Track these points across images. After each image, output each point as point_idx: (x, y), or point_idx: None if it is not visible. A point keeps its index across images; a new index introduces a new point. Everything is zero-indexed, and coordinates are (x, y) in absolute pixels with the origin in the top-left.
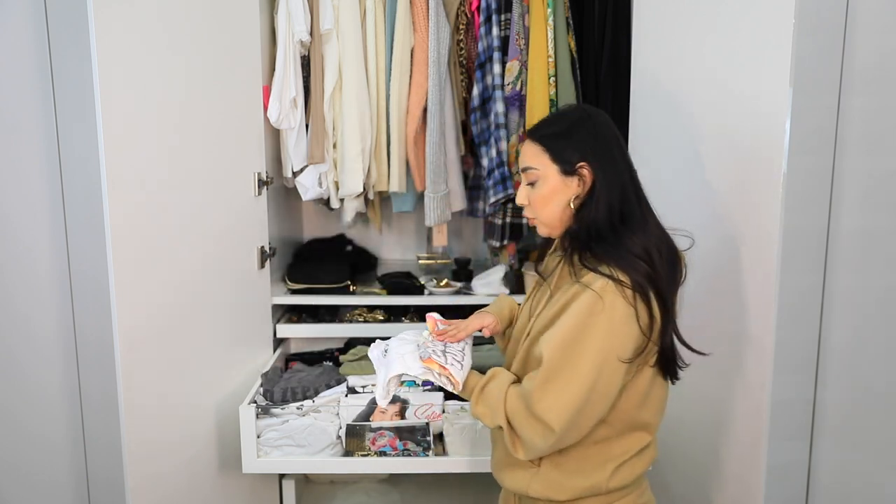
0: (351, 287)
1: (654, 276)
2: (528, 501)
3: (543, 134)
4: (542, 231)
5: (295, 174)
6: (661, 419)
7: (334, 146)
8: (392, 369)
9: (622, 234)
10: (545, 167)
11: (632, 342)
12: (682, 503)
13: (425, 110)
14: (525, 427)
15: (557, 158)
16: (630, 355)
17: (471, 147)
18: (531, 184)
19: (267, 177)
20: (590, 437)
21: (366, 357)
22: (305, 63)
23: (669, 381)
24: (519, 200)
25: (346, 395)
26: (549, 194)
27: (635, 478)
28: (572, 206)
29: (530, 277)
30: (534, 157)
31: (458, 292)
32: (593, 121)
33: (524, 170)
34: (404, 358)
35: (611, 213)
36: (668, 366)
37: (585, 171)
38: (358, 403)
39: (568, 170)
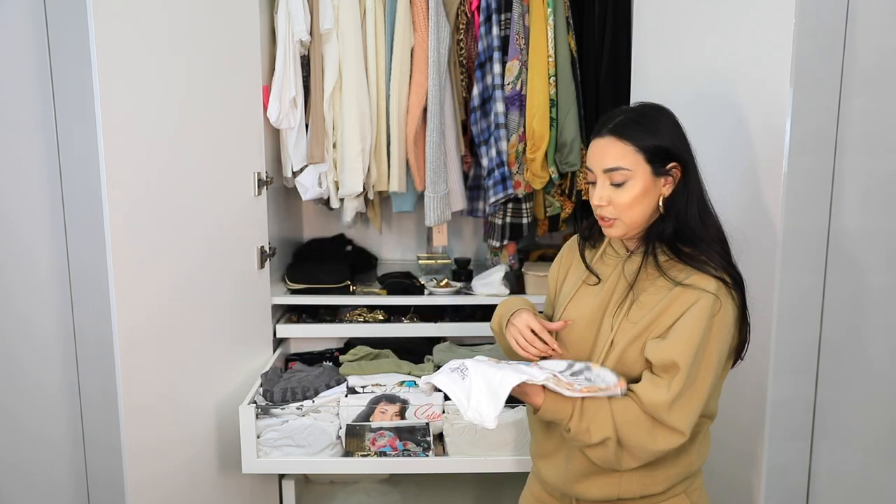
0: (351, 287)
1: (740, 275)
2: None
3: (632, 132)
4: (617, 232)
5: (295, 174)
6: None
7: (334, 146)
8: (509, 380)
9: (709, 231)
10: (637, 167)
11: (735, 339)
12: None
13: (425, 110)
14: (647, 437)
15: (651, 159)
16: (733, 351)
17: (471, 147)
18: (616, 184)
19: (267, 177)
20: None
21: (365, 357)
22: (305, 63)
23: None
24: (598, 201)
25: (346, 396)
26: (640, 196)
27: (705, 459)
28: (661, 207)
29: (531, 277)
30: (622, 156)
31: (458, 292)
32: (669, 115)
33: (609, 170)
34: (517, 367)
35: (700, 211)
36: (740, 351)
37: (677, 171)
38: (358, 403)
39: (660, 170)
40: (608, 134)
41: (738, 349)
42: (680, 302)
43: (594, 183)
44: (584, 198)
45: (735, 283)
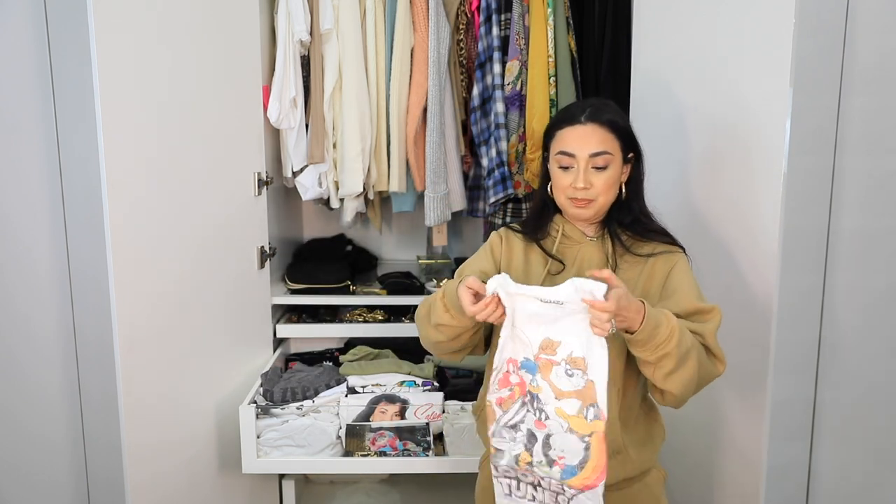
0: (351, 287)
1: None
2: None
3: (612, 120)
4: (590, 212)
5: (295, 174)
6: None
7: (334, 146)
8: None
9: (651, 213)
10: (616, 152)
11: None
12: (682, 502)
13: (425, 110)
14: (708, 361)
15: (624, 146)
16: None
17: (471, 147)
18: (598, 168)
19: (267, 177)
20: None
21: (365, 357)
22: (305, 63)
23: None
24: (583, 184)
25: (346, 395)
26: (615, 180)
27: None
28: (623, 188)
29: None
30: (606, 142)
31: None
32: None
33: (595, 154)
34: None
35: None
36: None
37: (633, 160)
38: (358, 403)
39: (626, 158)
40: (589, 121)
41: None
42: (660, 265)
43: (567, 168)
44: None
45: (685, 251)
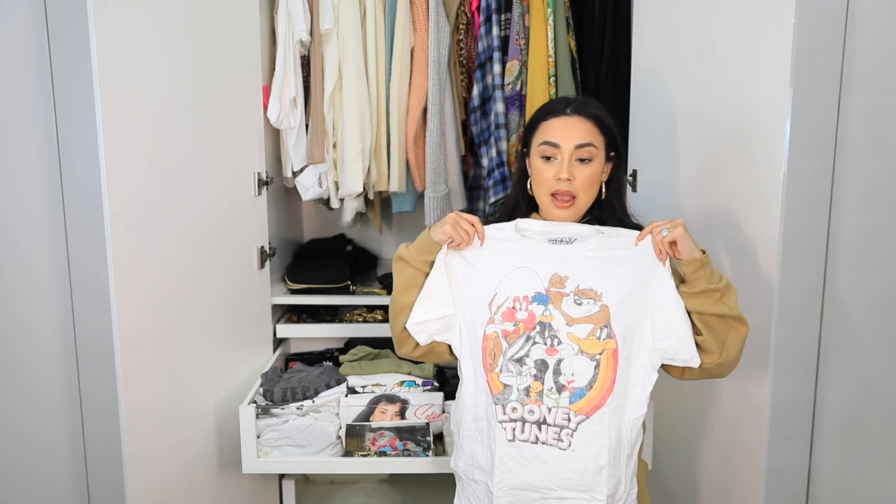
0: (351, 287)
1: None
2: None
3: (598, 115)
4: (570, 213)
5: (295, 174)
6: None
7: (334, 146)
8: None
9: (632, 214)
10: (600, 147)
11: None
12: (682, 502)
13: (425, 110)
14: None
15: (608, 143)
16: None
17: (471, 147)
18: (582, 160)
19: (267, 177)
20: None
21: (365, 357)
22: (305, 63)
23: None
24: (566, 175)
25: (346, 395)
26: (597, 175)
27: None
28: (604, 186)
29: None
30: (591, 134)
31: None
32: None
33: (580, 146)
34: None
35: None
36: None
37: (615, 158)
38: (358, 403)
39: (609, 156)
40: (575, 113)
41: None
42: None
43: (550, 158)
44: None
45: None
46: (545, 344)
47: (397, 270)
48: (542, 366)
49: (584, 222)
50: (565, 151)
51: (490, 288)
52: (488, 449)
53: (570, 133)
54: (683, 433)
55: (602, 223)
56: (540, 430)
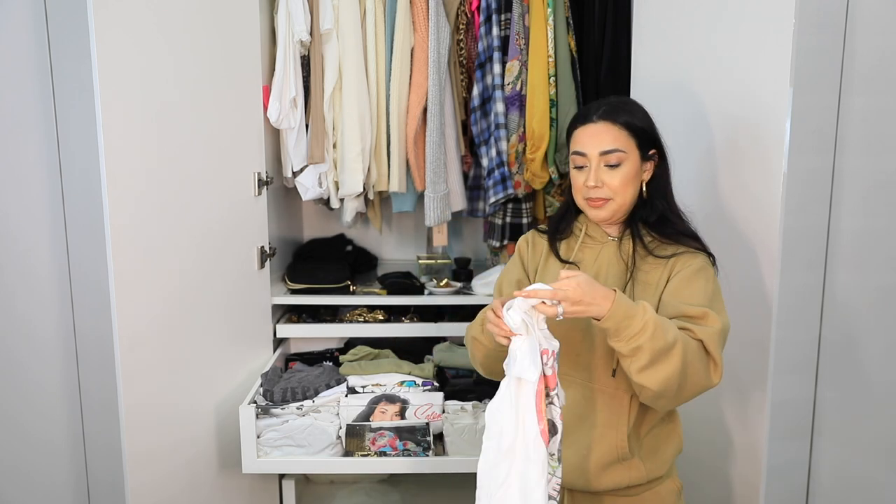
0: (351, 287)
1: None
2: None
3: (626, 120)
4: (606, 213)
5: (295, 174)
6: None
7: (334, 146)
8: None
9: (679, 213)
10: (630, 150)
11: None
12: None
13: (425, 110)
14: (703, 366)
15: (641, 144)
16: None
17: (471, 147)
18: (610, 166)
19: (267, 177)
20: (665, 420)
21: (365, 357)
22: (305, 63)
23: None
24: (594, 183)
25: (346, 395)
26: (632, 178)
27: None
28: (645, 186)
29: None
30: (618, 139)
31: (458, 292)
32: (644, 108)
33: (606, 152)
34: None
35: (671, 195)
36: None
37: (656, 157)
38: (358, 403)
39: (645, 155)
40: (601, 119)
41: None
42: (680, 264)
43: (582, 167)
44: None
45: (714, 260)
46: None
47: (475, 323)
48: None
49: (626, 223)
50: (592, 159)
51: None
52: None
53: (595, 140)
54: (682, 433)
55: (646, 223)
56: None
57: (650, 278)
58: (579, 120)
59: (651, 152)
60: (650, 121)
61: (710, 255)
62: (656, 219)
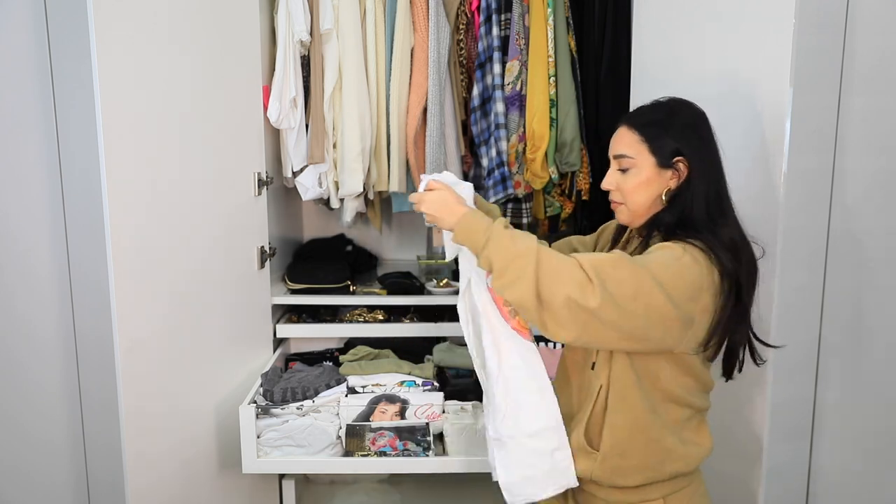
0: (351, 287)
1: (736, 269)
2: (585, 495)
3: (643, 123)
4: (623, 216)
5: (295, 174)
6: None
7: (334, 146)
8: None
9: (717, 227)
10: (641, 157)
11: (689, 291)
12: None
13: (425, 110)
14: (565, 268)
15: (656, 150)
16: (682, 301)
17: (471, 147)
18: (622, 170)
19: (267, 177)
20: (647, 427)
21: (365, 357)
22: (305, 63)
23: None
24: (605, 185)
25: (346, 395)
26: (643, 184)
27: (690, 469)
28: (664, 198)
29: None
30: (629, 145)
31: (458, 292)
32: (691, 113)
33: (617, 157)
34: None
35: (708, 207)
36: (730, 362)
37: (682, 166)
38: (358, 403)
39: (665, 163)
40: (624, 122)
41: (729, 353)
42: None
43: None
44: (583, 198)
45: (719, 261)
46: None
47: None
48: None
49: (643, 230)
50: (611, 162)
51: None
52: None
53: (614, 143)
54: None
55: (661, 231)
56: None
57: None
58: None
59: (676, 160)
60: (681, 129)
61: (697, 247)
62: (675, 229)
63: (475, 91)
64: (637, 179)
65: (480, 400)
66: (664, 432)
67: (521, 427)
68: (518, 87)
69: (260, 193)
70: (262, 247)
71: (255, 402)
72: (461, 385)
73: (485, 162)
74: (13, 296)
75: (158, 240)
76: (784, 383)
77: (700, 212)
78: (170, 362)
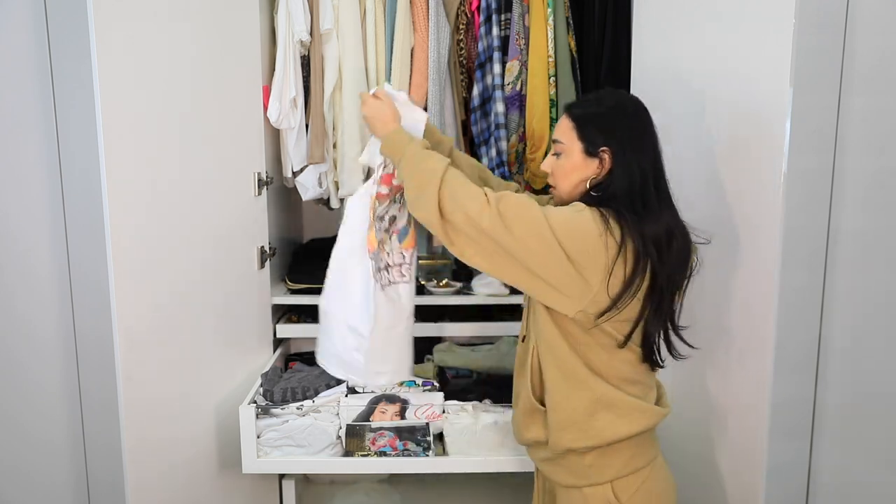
0: None
1: (651, 254)
2: (550, 483)
3: (577, 112)
4: (556, 201)
5: (295, 174)
6: (646, 391)
7: (334, 146)
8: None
9: (640, 219)
10: (571, 143)
11: (579, 240)
12: (681, 502)
13: (425, 110)
14: (466, 187)
15: (583, 138)
16: (571, 246)
17: (471, 147)
18: (557, 154)
19: (267, 177)
20: (582, 381)
21: None
22: (305, 63)
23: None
24: (543, 167)
25: (346, 396)
26: (569, 169)
27: (631, 434)
28: (588, 185)
29: None
30: (563, 131)
31: (458, 292)
32: (629, 108)
33: (554, 141)
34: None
35: (631, 199)
36: (645, 349)
37: (606, 156)
38: (358, 403)
39: (590, 151)
40: (564, 110)
41: (645, 343)
42: None
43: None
44: None
45: (637, 250)
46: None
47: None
48: (391, 221)
49: None
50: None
51: None
52: None
53: (555, 130)
54: (682, 433)
55: None
56: (389, 272)
57: None
58: None
59: (600, 150)
60: (611, 120)
61: (610, 215)
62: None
63: (475, 91)
64: (566, 164)
65: (480, 400)
66: (598, 385)
67: (347, 316)
68: (518, 87)
69: (260, 193)
70: (262, 247)
71: (255, 402)
72: (461, 385)
73: (485, 162)
74: (13, 296)
75: (158, 240)
76: (784, 383)
77: (623, 202)
78: (170, 362)
